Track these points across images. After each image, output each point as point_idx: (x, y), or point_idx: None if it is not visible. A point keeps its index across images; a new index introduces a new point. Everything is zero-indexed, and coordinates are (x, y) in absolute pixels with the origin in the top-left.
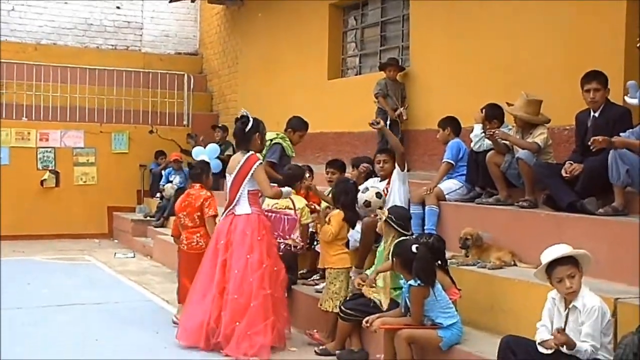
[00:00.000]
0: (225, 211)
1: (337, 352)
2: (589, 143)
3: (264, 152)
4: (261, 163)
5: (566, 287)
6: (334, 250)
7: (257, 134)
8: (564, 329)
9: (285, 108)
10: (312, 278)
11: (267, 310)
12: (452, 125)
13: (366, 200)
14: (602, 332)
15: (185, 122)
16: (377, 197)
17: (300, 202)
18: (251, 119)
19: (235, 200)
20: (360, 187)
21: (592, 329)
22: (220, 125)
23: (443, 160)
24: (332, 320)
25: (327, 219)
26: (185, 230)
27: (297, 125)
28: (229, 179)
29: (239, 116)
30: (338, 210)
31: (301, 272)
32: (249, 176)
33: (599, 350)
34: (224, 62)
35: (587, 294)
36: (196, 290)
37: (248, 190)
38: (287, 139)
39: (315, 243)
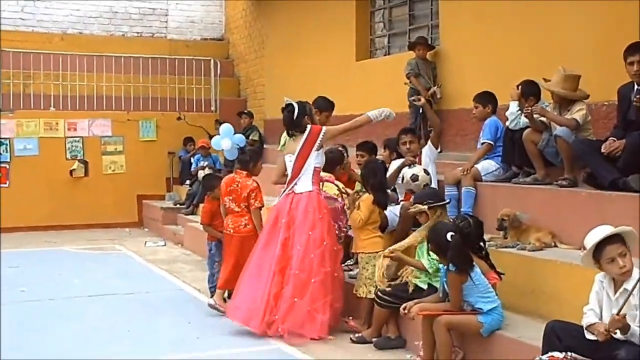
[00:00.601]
0: (285, 190)
1: (374, 339)
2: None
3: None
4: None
5: (619, 266)
6: (365, 234)
7: (306, 116)
8: (617, 314)
9: (313, 91)
10: (345, 263)
11: (327, 288)
12: (492, 101)
13: (414, 174)
14: None
15: (213, 108)
16: (412, 179)
17: (331, 188)
18: (296, 106)
19: (297, 178)
20: (391, 167)
21: None
22: (246, 111)
23: (482, 141)
24: (367, 306)
25: (357, 204)
26: (232, 214)
27: (323, 106)
28: (290, 158)
29: (284, 105)
30: (367, 194)
31: None
32: (314, 149)
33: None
34: (250, 47)
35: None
36: (251, 269)
37: (314, 167)
38: None
39: (348, 227)
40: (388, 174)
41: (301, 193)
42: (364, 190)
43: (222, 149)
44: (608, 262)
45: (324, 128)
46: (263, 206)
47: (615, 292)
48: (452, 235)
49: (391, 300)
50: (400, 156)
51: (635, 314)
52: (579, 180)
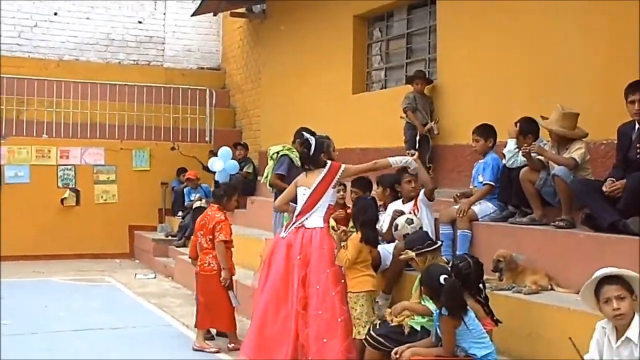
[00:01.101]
0: (292, 224)
1: None
2: (637, 156)
3: (271, 165)
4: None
5: (613, 307)
6: (353, 273)
7: (323, 153)
8: None
9: (309, 123)
10: None
11: (350, 326)
12: (492, 135)
13: (396, 224)
14: None
15: (207, 139)
16: (407, 223)
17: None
18: (313, 141)
19: (309, 213)
20: (389, 209)
21: None
22: (242, 142)
23: (483, 181)
24: (358, 347)
25: (345, 244)
26: (202, 251)
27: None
28: (305, 192)
29: (302, 141)
30: (355, 233)
31: None
32: (333, 184)
33: None
34: (247, 77)
35: None
36: (269, 305)
37: (328, 204)
38: (294, 151)
39: None
40: (385, 224)
41: (313, 229)
42: (353, 229)
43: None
44: (604, 302)
45: (343, 166)
46: (229, 241)
47: (617, 340)
48: (445, 279)
49: (383, 342)
50: (396, 194)
51: None
52: (577, 221)
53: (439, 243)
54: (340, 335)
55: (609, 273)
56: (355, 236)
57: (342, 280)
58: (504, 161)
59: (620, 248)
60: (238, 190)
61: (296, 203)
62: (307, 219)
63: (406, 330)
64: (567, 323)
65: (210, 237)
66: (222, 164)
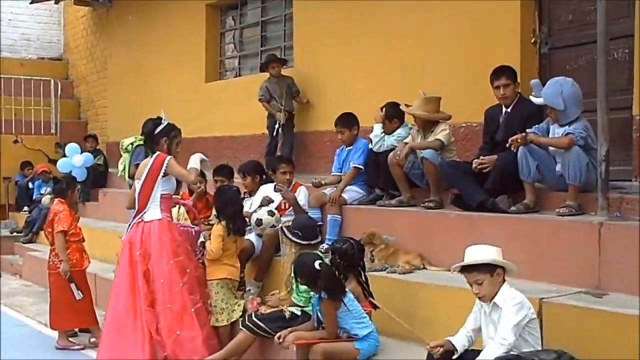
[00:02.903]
0: (133, 220)
1: None
2: (508, 145)
3: (127, 157)
4: (171, 158)
5: (474, 292)
6: (211, 262)
7: (166, 138)
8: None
9: (159, 113)
10: None
11: (205, 315)
12: (356, 122)
13: (258, 219)
14: (527, 331)
15: (53, 131)
16: (269, 215)
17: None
18: (164, 122)
19: (146, 206)
20: (259, 192)
21: (507, 326)
22: (92, 134)
23: (353, 165)
24: (227, 334)
25: (207, 235)
26: (51, 250)
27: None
28: (137, 184)
29: (155, 117)
30: (218, 224)
31: None
32: (159, 177)
33: (516, 347)
34: (92, 67)
35: (508, 290)
36: (119, 311)
37: (161, 194)
38: None
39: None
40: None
41: (151, 221)
42: (215, 218)
43: (70, 170)
44: (469, 285)
45: (167, 158)
46: (67, 231)
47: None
48: (320, 264)
49: (264, 327)
50: (268, 179)
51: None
52: (445, 202)
53: (319, 239)
54: (195, 326)
55: (458, 266)
56: (217, 227)
57: (188, 270)
58: (371, 145)
59: (490, 226)
60: (78, 183)
61: None
62: (145, 212)
63: (287, 315)
64: (442, 299)
65: (50, 230)
66: (82, 159)
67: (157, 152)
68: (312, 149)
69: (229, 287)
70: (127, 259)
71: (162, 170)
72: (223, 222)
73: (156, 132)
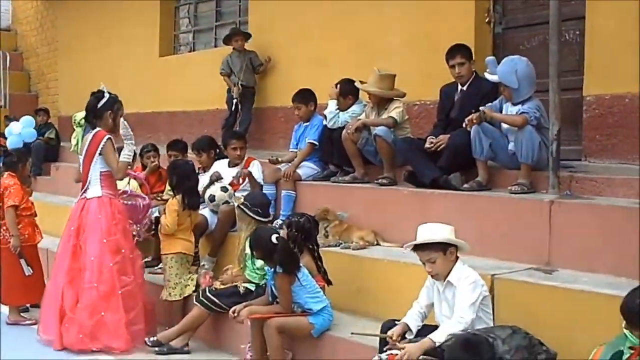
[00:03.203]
0: (79, 196)
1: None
2: (465, 124)
3: (80, 131)
4: (109, 139)
5: (427, 270)
6: (166, 236)
7: (110, 112)
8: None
9: (112, 87)
10: (159, 266)
11: (137, 297)
12: (313, 98)
13: (211, 195)
14: (480, 308)
15: (2, 103)
16: (222, 190)
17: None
18: (107, 95)
19: (87, 183)
20: (213, 168)
21: (464, 304)
22: (43, 107)
23: (308, 141)
24: (178, 309)
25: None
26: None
27: None
28: (80, 159)
29: (95, 90)
30: (172, 199)
31: (146, 260)
32: (97, 154)
33: (471, 325)
34: (42, 39)
35: (461, 268)
36: (54, 282)
37: (100, 172)
38: None
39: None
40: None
41: (91, 199)
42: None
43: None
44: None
45: (105, 137)
46: (17, 205)
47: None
48: (277, 237)
49: (219, 302)
50: (222, 154)
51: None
52: (398, 178)
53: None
54: (120, 309)
55: (410, 245)
56: (172, 202)
57: (123, 251)
58: (325, 122)
59: (442, 202)
60: (29, 157)
61: None
62: (87, 189)
63: (241, 290)
64: (395, 276)
65: (0, 204)
66: (20, 127)
67: (98, 128)
68: (267, 125)
69: (184, 261)
70: (65, 236)
71: (99, 148)
72: (178, 197)
73: (99, 105)
